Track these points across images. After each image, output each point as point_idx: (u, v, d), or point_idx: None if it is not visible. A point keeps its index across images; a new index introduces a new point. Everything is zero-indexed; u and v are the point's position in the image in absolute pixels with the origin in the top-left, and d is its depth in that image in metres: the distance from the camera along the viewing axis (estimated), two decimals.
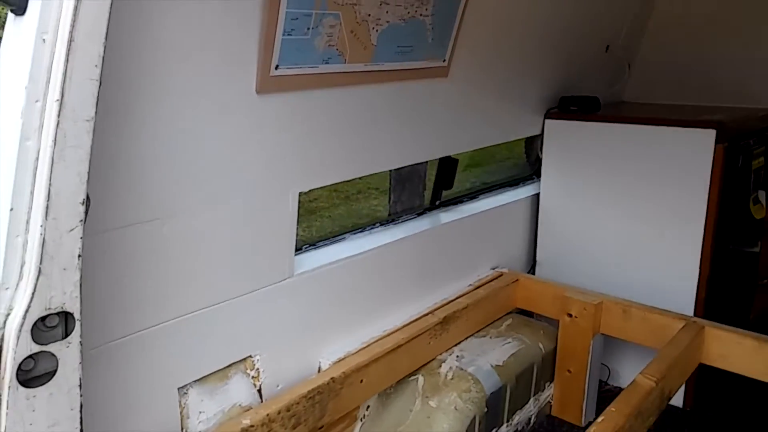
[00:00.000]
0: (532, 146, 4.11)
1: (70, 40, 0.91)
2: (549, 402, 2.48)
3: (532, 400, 2.37)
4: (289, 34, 1.49)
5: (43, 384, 0.98)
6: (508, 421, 2.25)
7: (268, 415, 1.63)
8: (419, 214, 2.42)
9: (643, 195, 2.50)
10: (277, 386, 1.81)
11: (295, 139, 1.65)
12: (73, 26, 0.91)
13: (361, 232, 2.18)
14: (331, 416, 1.82)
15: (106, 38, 0.95)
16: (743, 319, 2.74)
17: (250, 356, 1.73)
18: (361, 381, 1.90)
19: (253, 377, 1.75)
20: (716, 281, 2.47)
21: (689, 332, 2.09)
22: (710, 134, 2.32)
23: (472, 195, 2.68)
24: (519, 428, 2.33)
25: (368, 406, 2.09)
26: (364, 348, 1.98)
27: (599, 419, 1.62)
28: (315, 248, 1.99)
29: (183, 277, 1.52)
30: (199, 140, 1.45)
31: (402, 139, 1.99)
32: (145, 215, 1.39)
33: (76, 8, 0.91)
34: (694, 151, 2.36)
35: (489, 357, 2.22)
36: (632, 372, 2.58)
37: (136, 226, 1.38)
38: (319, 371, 1.93)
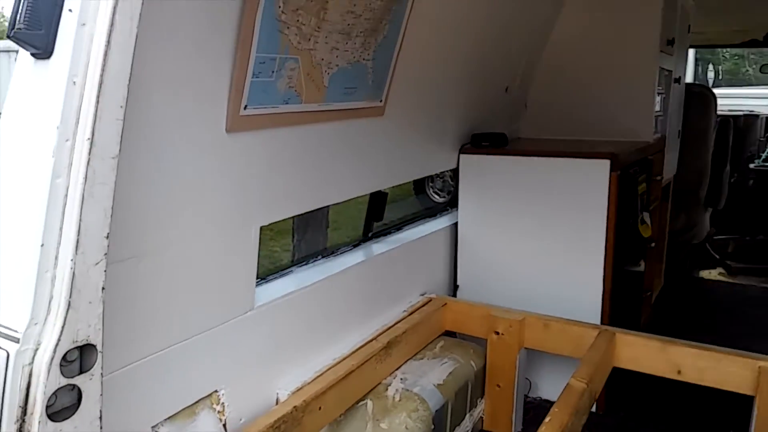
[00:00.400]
0: (422, 184, 4.37)
1: (101, 83, 0.97)
2: (481, 416, 2.65)
3: (468, 415, 2.53)
4: (257, 77, 1.58)
5: (69, 417, 0.99)
6: None
7: None
8: (354, 246, 2.53)
9: (550, 220, 2.78)
10: (240, 420, 1.83)
11: (258, 175, 1.73)
12: (103, 70, 0.97)
13: (305, 264, 2.26)
14: None
15: (129, 80, 1.01)
16: (636, 326, 3.08)
17: (216, 391, 1.75)
18: (320, 408, 1.96)
19: (218, 412, 1.76)
20: (615, 295, 2.79)
21: (604, 339, 2.35)
22: (605, 164, 2.64)
23: (398, 227, 2.84)
24: None
25: None
26: (319, 376, 2.04)
27: (547, 419, 1.80)
28: (266, 281, 2.04)
29: (155, 314, 1.53)
30: (174, 179, 1.49)
31: (349, 173, 2.12)
32: (122, 254, 1.40)
33: (105, 53, 0.97)
34: (592, 179, 2.67)
35: (430, 377, 2.35)
36: (550, 383, 2.85)
37: (114, 265, 1.39)
38: (276, 402, 1.97)
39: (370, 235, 2.64)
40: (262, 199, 1.76)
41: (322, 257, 2.34)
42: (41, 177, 0.96)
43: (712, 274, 4.95)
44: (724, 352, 2.27)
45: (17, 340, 0.95)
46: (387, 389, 2.26)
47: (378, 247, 2.60)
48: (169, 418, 1.61)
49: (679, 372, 2.31)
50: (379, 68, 2.06)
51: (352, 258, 2.43)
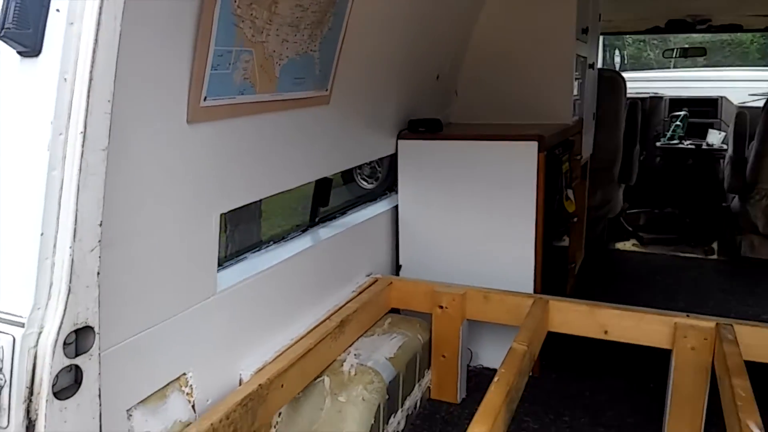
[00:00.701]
0: (350, 172, 4.48)
1: (90, 79, 1.02)
2: (429, 386, 2.81)
3: (417, 386, 2.68)
4: (215, 69, 1.64)
5: (72, 396, 1.05)
6: (401, 407, 2.53)
7: (211, 424, 1.72)
8: (303, 231, 2.62)
9: (485, 199, 2.96)
10: (207, 401, 1.90)
11: (218, 164, 1.79)
12: (92, 66, 1.02)
13: (259, 250, 2.33)
14: (260, 422, 1.95)
15: (115, 76, 1.07)
16: (563, 295, 3.33)
17: (184, 374, 1.81)
18: (282, 386, 2.05)
19: (187, 394, 1.82)
20: (545, 266, 3.01)
21: (539, 306, 2.55)
22: (534, 145, 2.84)
23: (342, 211, 2.95)
24: (409, 413, 2.62)
25: (279, 413, 2.23)
26: (279, 356, 2.13)
27: (495, 379, 1.97)
28: (224, 268, 2.10)
29: (124, 303, 1.57)
30: (137, 169, 1.54)
31: (299, 160, 2.20)
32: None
33: (94, 51, 1.02)
34: (522, 160, 2.87)
35: (382, 351, 2.48)
36: (490, 352, 3.04)
37: None
38: (240, 383, 2.05)
39: (317, 220, 2.73)
40: (220, 187, 1.83)
41: (274, 243, 2.42)
42: (38, 170, 1.00)
43: (627, 245, 5.34)
44: (644, 311, 2.52)
45: (22, 325, 1.00)
46: (342, 365, 2.37)
47: (325, 232, 2.70)
48: (141, 401, 1.66)
49: (605, 332, 2.55)
50: (324, 59, 2.15)
51: (302, 243, 2.52)
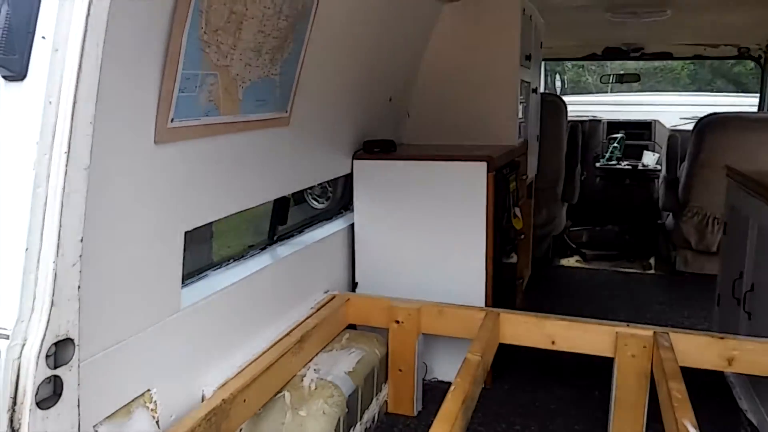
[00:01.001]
0: (301, 192, 4.51)
1: (74, 102, 1.08)
2: (386, 400, 2.88)
3: (374, 399, 2.75)
4: (182, 92, 1.70)
5: (53, 405, 1.08)
6: (360, 420, 2.60)
7: None
8: (262, 249, 2.67)
9: (437, 217, 3.08)
10: (171, 417, 1.92)
11: (183, 183, 1.84)
12: (76, 90, 1.08)
13: (219, 268, 2.37)
14: None
15: (96, 99, 1.13)
16: (512, 309, 3.47)
17: (149, 390, 1.83)
18: (244, 401, 2.09)
19: (151, 410, 1.84)
20: (496, 282, 3.14)
21: (491, 319, 2.67)
22: (483, 166, 2.99)
23: (299, 229, 3.01)
24: (368, 426, 2.68)
25: (241, 429, 2.26)
26: (241, 372, 2.17)
27: (452, 388, 2.07)
28: (186, 285, 2.14)
29: (91, 320, 1.59)
30: (106, 188, 1.58)
31: (261, 180, 2.27)
32: None
33: (78, 76, 1.08)
34: (472, 179, 3.00)
35: (341, 366, 2.55)
36: (444, 366, 3.14)
37: None
38: (203, 399, 2.08)
39: (275, 238, 2.78)
40: (186, 205, 1.87)
41: (234, 260, 2.46)
42: (23, 187, 1.05)
43: (571, 261, 5.57)
44: (588, 322, 2.67)
45: (7, 337, 1.03)
46: (302, 380, 2.42)
47: (283, 250, 2.75)
48: (107, 417, 1.68)
49: (553, 342, 2.68)
50: (284, 82, 2.24)
51: (261, 261, 2.56)
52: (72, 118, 1.07)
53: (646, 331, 2.56)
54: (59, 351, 1.10)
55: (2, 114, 1.08)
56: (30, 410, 1.03)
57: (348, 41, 2.74)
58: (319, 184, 4.85)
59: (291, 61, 2.23)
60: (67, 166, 1.07)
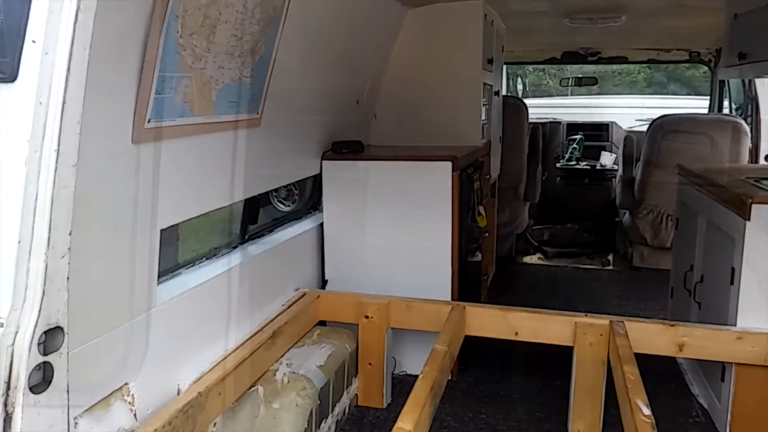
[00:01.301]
0: (266, 195, 4.57)
1: (63, 103, 1.14)
2: (356, 393, 2.97)
3: (345, 393, 2.83)
4: (159, 93, 1.76)
5: (44, 390, 1.14)
6: (332, 412, 2.67)
7: (155, 430, 1.81)
8: (233, 248, 2.72)
9: (405, 215, 3.18)
10: (148, 410, 1.97)
11: (160, 181, 1.89)
12: (65, 91, 1.14)
13: (192, 266, 2.42)
14: (199, 428, 2.04)
15: (84, 100, 1.19)
16: (478, 302, 3.59)
17: (126, 384, 1.88)
18: (219, 394, 2.16)
19: (129, 403, 1.89)
20: (461, 279, 3.25)
21: (457, 312, 2.78)
22: (448, 165, 3.10)
23: (269, 229, 3.07)
24: (339, 418, 2.76)
25: (215, 423, 2.32)
26: (215, 366, 2.23)
27: (420, 376, 2.16)
28: (160, 282, 2.18)
29: (71, 314, 1.64)
30: (85, 187, 1.62)
31: (233, 179, 2.33)
32: None
33: (66, 78, 1.14)
34: (438, 178, 3.11)
35: (312, 360, 2.62)
36: (412, 360, 3.23)
37: None
38: (178, 393, 2.13)
39: (246, 237, 2.84)
40: (162, 203, 1.93)
41: (207, 259, 2.51)
42: (15, 184, 1.10)
43: (533, 258, 5.74)
44: (548, 313, 2.81)
45: (0, 325, 1.09)
46: (275, 374, 2.49)
47: (254, 249, 2.81)
48: (87, 410, 1.72)
49: (516, 333, 2.80)
50: (256, 84, 2.31)
51: (234, 259, 2.62)
52: (61, 118, 1.14)
53: (602, 321, 2.70)
54: (49, 339, 1.15)
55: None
56: (23, 394, 1.09)
57: (317, 45, 2.82)
58: (284, 187, 4.92)
59: (262, 64, 2.30)
60: (57, 163, 1.13)
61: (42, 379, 1.14)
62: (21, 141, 1.11)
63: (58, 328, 1.16)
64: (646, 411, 1.98)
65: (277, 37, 2.31)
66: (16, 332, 1.10)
